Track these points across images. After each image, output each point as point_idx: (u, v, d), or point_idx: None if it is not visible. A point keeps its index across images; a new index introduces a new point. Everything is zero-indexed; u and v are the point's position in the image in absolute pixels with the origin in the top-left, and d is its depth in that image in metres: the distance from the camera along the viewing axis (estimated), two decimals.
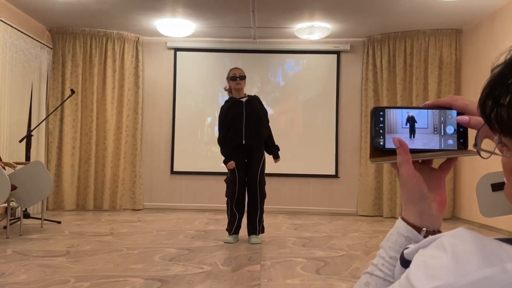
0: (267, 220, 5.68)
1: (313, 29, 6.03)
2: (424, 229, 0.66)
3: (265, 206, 6.52)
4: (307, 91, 6.73)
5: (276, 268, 3.18)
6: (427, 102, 0.70)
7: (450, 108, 0.69)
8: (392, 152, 0.68)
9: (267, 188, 6.64)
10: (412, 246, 0.54)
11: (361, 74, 6.63)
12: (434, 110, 0.69)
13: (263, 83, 6.77)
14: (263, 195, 4.28)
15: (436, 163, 0.71)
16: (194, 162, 6.66)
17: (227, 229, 4.23)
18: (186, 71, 6.78)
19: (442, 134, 0.69)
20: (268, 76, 6.77)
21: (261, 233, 4.26)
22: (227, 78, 4.28)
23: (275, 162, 4.46)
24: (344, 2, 5.22)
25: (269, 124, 4.39)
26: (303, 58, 6.74)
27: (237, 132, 4.14)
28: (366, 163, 6.43)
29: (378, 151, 0.69)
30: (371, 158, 0.70)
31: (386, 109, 0.69)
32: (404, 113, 0.69)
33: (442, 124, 0.69)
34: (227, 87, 4.35)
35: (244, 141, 4.14)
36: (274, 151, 4.40)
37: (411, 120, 0.69)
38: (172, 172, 6.70)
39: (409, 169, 0.66)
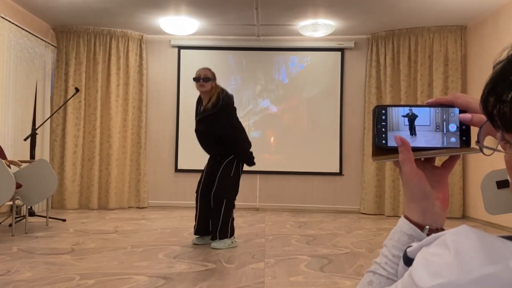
0: (271, 218, 5.69)
1: (317, 27, 6.01)
2: (427, 227, 0.65)
3: (266, 204, 6.58)
4: (311, 88, 6.71)
5: (280, 266, 3.18)
6: (429, 100, 0.70)
7: (452, 106, 0.68)
8: (394, 150, 0.68)
9: (270, 185, 6.68)
10: (415, 244, 0.53)
11: (365, 71, 6.61)
12: (436, 108, 0.68)
13: (267, 81, 6.76)
14: (219, 195, 3.79)
15: (438, 161, 0.70)
16: (198, 160, 6.64)
17: None
18: (190, 69, 6.77)
19: (445, 132, 0.68)
20: (272, 74, 6.76)
21: (226, 237, 3.77)
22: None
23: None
24: None
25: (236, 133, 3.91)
26: (307, 56, 6.73)
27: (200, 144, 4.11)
28: (369, 161, 6.41)
29: (381, 149, 0.69)
30: (374, 157, 0.69)
31: (388, 107, 0.69)
32: (406, 111, 0.69)
33: (445, 122, 0.68)
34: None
35: (210, 154, 4.09)
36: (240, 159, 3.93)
37: (413, 118, 0.68)
38: (176, 170, 6.71)
39: (412, 167, 0.65)
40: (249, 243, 4.00)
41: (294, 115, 6.72)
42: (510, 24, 5.04)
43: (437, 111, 0.69)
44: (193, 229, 4.06)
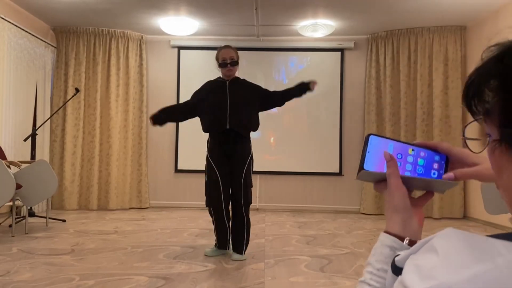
0: (271, 218, 5.68)
1: (316, 27, 6.02)
2: (407, 238, 0.69)
3: (266, 204, 6.58)
4: None
5: (280, 266, 3.18)
6: (416, 142, 0.77)
7: (435, 149, 0.76)
8: (378, 175, 0.74)
9: (270, 186, 6.68)
10: (402, 253, 0.55)
11: (365, 71, 6.60)
12: (422, 149, 0.76)
13: (266, 81, 6.76)
14: (248, 201, 3.46)
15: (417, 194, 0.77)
16: (198, 160, 6.65)
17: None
18: (190, 69, 6.78)
19: (426, 171, 0.76)
20: (272, 74, 6.76)
21: (243, 253, 3.44)
22: (216, 58, 3.56)
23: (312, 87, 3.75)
24: None
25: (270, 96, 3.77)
26: (307, 56, 6.73)
27: (220, 117, 3.42)
28: None
29: (366, 172, 0.74)
30: (358, 175, 0.75)
31: (380, 138, 0.75)
32: (396, 145, 0.75)
33: (426, 162, 0.76)
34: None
35: (228, 125, 3.40)
36: (301, 87, 3.74)
37: (400, 152, 0.75)
38: (176, 170, 6.71)
39: (397, 180, 0.71)
40: (249, 243, 4.00)
41: (294, 115, 6.72)
42: (509, 25, 5.05)
43: (422, 151, 0.76)
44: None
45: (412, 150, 0.75)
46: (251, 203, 3.53)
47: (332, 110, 6.65)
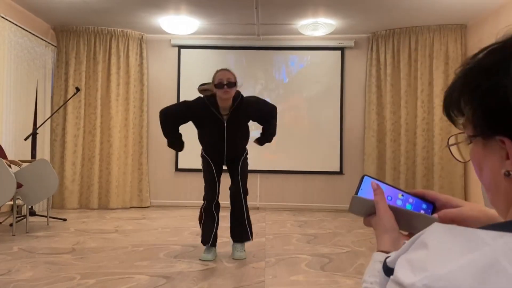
0: (271, 217, 5.69)
1: (317, 26, 6.01)
2: None
3: (267, 203, 6.59)
4: (311, 87, 6.71)
5: (281, 265, 3.18)
6: (406, 190, 0.83)
7: (423, 197, 0.83)
8: (368, 202, 0.80)
9: (271, 185, 6.69)
10: (393, 254, 0.57)
11: (365, 70, 6.60)
12: (411, 196, 0.83)
13: (267, 80, 6.76)
14: (246, 190, 3.59)
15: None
16: (198, 159, 6.64)
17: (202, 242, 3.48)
18: (190, 68, 6.78)
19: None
20: (272, 73, 6.76)
21: (250, 239, 3.54)
22: (212, 80, 3.37)
23: (255, 142, 3.69)
24: None
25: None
26: (307, 55, 6.72)
27: (217, 154, 3.54)
28: (369, 160, 6.41)
29: (357, 198, 0.81)
30: (351, 203, 0.82)
31: (373, 180, 0.82)
32: (387, 188, 0.81)
33: (412, 206, 0.82)
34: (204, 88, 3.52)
35: (225, 163, 3.58)
36: (265, 137, 3.65)
37: (390, 195, 0.82)
38: (177, 169, 6.71)
39: (385, 205, 0.78)
40: (250, 242, 4.00)
41: (295, 114, 6.72)
42: (510, 23, 5.04)
43: (411, 198, 0.83)
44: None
45: (402, 195, 0.82)
46: (248, 192, 3.64)
47: (332, 109, 6.65)
